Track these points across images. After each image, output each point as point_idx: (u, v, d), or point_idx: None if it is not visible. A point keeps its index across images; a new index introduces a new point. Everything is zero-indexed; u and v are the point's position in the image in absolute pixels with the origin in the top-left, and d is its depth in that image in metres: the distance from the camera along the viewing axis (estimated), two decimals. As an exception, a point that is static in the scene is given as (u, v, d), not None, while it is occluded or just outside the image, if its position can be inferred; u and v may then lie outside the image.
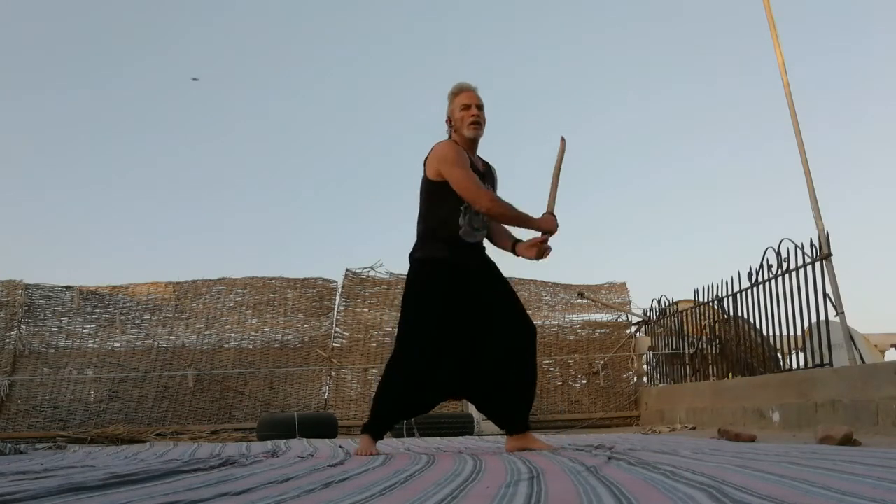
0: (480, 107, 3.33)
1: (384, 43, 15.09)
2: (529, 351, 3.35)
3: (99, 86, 13.93)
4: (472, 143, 3.38)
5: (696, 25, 14.64)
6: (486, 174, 3.44)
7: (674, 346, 7.95)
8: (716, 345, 7.15)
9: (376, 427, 3.41)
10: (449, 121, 3.41)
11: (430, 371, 3.27)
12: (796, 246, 5.51)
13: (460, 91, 3.35)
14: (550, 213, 3.42)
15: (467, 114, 3.31)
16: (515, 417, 3.33)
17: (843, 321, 5.07)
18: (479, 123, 3.32)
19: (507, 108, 14.86)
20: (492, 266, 3.48)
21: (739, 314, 6.58)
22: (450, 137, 3.41)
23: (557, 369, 8.52)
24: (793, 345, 5.89)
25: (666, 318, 8.20)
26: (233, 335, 8.39)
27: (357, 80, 14.99)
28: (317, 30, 14.87)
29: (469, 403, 7.30)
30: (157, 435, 7.12)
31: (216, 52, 14.64)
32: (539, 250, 3.36)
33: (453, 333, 3.28)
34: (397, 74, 14.90)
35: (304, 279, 8.70)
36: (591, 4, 15.05)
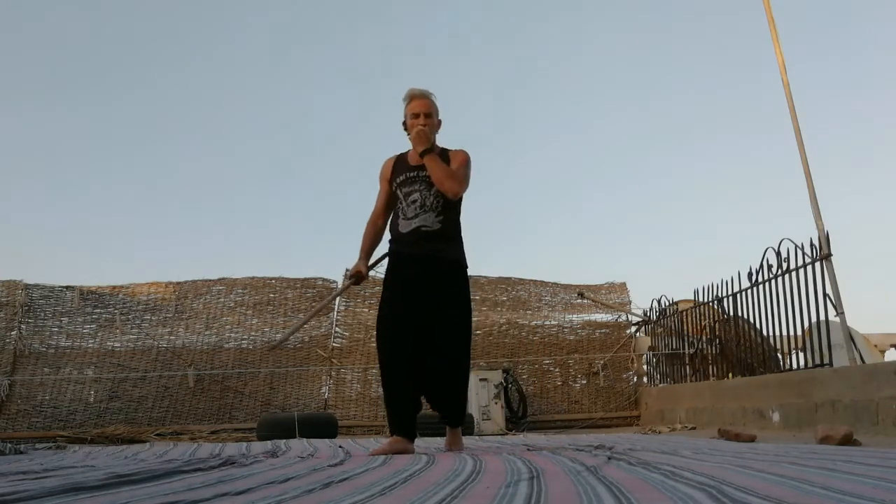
0: (428, 115, 3.54)
1: (385, 45, 15.10)
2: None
3: (99, 87, 13.94)
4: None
5: (696, 27, 14.65)
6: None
7: (674, 346, 7.95)
8: (716, 345, 7.15)
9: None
10: (405, 125, 3.62)
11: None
12: (796, 246, 5.51)
13: (411, 99, 3.58)
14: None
15: (415, 122, 3.53)
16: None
17: (843, 321, 5.07)
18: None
19: (509, 110, 14.88)
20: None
21: (739, 314, 6.58)
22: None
23: (557, 369, 8.52)
24: (793, 345, 5.89)
25: (666, 318, 8.19)
26: (233, 335, 8.39)
27: (359, 81, 15.00)
28: (318, 32, 14.87)
29: (468, 403, 7.31)
30: (157, 435, 7.12)
31: (217, 53, 14.65)
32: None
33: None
34: (399, 76, 14.90)
35: (304, 279, 8.70)
36: (592, 7, 15.06)
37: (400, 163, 3.63)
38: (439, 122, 3.63)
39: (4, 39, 13.15)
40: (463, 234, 3.68)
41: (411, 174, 3.54)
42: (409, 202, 3.51)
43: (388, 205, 3.67)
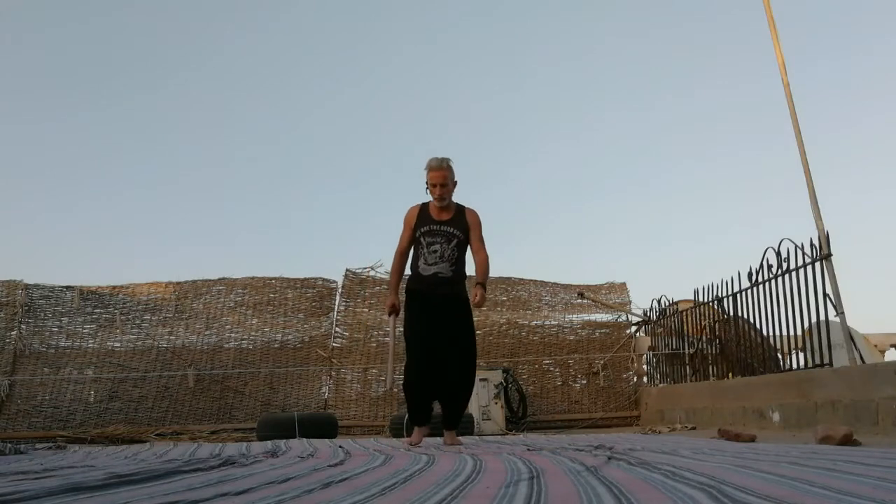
0: (444, 185, 4.30)
1: (388, 50, 15.10)
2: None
3: (100, 89, 13.94)
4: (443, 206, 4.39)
5: (696, 28, 14.65)
6: (450, 222, 4.35)
7: (674, 346, 7.95)
8: (716, 345, 7.15)
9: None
10: (427, 186, 4.36)
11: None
12: (796, 246, 5.51)
13: (430, 170, 4.33)
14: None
15: (434, 191, 4.33)
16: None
17: (843, 321, 5.06)
18: (442, 198, 4.32)
19: (513, 111, 14.88)
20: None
21: (739, 314, 6.57)
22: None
23: (557, 369, 8.52)
24: (793, 345, 5.89)
25: (666, 318, 8.19)
26: (233, 335, 8.39)
27: (360, 83, 15.00)
28: (318, 36, 14.87)
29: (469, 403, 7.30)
30: (157, 435, 7.12)
31: (219, 56, 14.65)
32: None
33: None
34: (400, 79, 14.91)
35: (304, 279, 8.70)
36: (593, 9, 15.06)
37: (424, 214, 4.40)
38: (455, 183, 4.39)
39: (7, 40, 13.15)
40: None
41: (434, 227, 4.35)
42: (430, 251, 4.33)
43: (410, 245, 4.45)
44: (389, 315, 4.51)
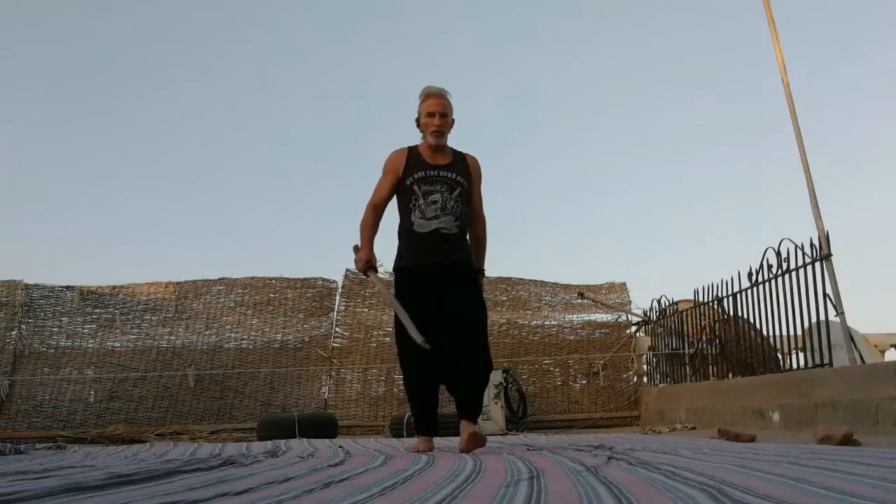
0: (444, 115, 3.54)
1: (389, 49, 15.11)
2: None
3: (99, 90, 13.94)
4: (437, 146, 3.60)
5: (696, 29, 14.65)
6: (450, 166, 3.58)
7: (674, 346, 7.95)
8: (716, 345, 7.15)
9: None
10: (417, 122, 3.60)
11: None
12: (796, 246, 5.51)
13: (427, 97, 3.55)
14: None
15: (430, 122, 3.53)
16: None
17: (843, 321, 5.06)
18: (439, 133, 3.54)
19: (517, 114, 14.88)
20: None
21: (739, 314, 6.57)
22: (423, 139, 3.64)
23: (557, 369, 8.52)
24: (793, 345, 5.89)
25: (666, 318, 8.19)
26: (233, 335, 8.39)
27: (360, 83, 14.99)
28: (319, 35, 14.88)
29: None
30: (157, 435, 7.12)
31: (221, 53, 14.66)
32: None
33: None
34: (401, 78, 14.91)
35: (304, 279, 8.70)
36: (593, 10, 15.06)
37: (415, 158, 3.58)
38: (453, 121, 3.62)
39: (6, 41, 13.16)
40: None
41: (432, 173, 3.53)
42: (428, 202, 3.50)
43: (389, 198, 3.63)
44: (366, 273, 3.66)
